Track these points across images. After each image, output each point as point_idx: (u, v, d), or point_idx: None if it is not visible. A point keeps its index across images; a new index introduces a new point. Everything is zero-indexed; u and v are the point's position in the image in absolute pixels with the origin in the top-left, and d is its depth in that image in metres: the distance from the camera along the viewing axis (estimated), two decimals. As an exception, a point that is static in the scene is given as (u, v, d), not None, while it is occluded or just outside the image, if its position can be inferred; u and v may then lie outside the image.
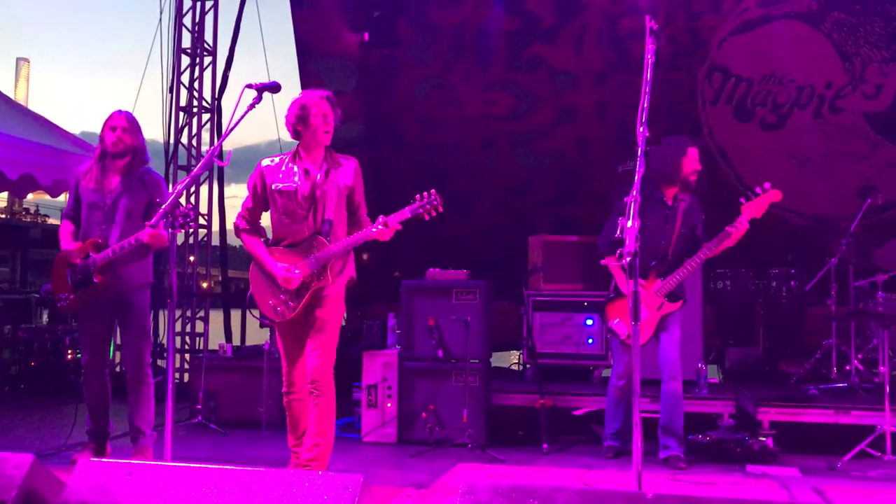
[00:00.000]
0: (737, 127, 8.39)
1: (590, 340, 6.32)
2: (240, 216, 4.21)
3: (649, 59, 3.16)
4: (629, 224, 2.79)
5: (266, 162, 4.15)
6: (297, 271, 3.98)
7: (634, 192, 2.89)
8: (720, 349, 7.19)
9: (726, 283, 7.20)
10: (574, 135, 8.82)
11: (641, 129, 3.00)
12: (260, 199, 4.15)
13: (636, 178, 3.00)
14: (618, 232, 2.86)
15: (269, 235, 4.24)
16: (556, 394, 5.73)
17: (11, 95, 13.38)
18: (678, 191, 5.00)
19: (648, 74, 3.10)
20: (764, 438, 5.11)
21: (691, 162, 4.95)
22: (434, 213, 3.94)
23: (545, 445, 5.29)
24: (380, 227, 3.91)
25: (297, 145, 4.12)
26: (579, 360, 6.30)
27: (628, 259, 2.77)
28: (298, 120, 4.02)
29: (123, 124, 4.68)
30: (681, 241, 4.97)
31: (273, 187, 4.06)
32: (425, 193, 3.95)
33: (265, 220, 4.30)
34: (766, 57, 8.19)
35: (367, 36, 8.98)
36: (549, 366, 6.28)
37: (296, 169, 4.07)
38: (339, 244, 4.00)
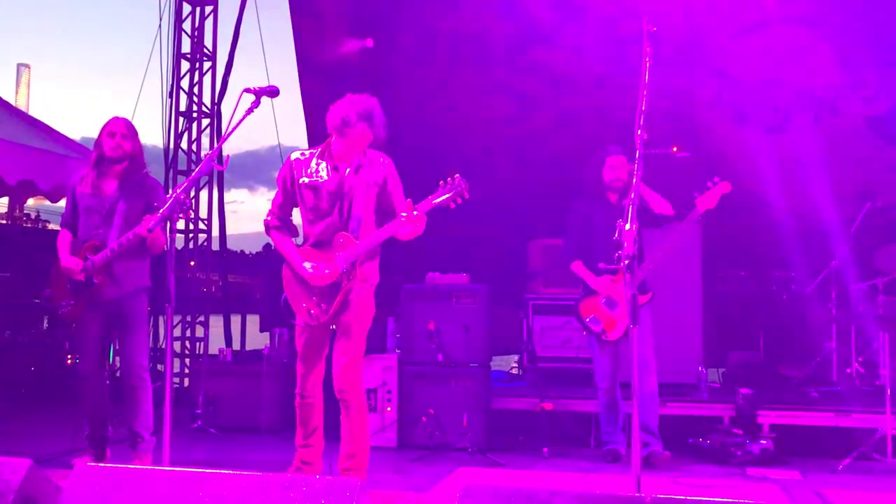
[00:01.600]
0: (737, 130, 8.39)
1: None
2: (270, 212, 4.06)
3: (647, 62, 3.15)
4: (627, 227, 2.78)
5: (296, 155, 4.02)
6: (326, 271, 3.85)
7: (633, 195, 2.89)
8: (720, 352, 7.18)
9: (726, 286, 7.20)
10: (573, 138, 8.82)
11: (640, 133, 3.00)
12: (290, 194, 3.99)
13: (635, 180, 2.99)
14: (616, 234, 2.86)
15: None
16: (556, 398, 5.72)
17: (12, 101, 13.37)
18: (619, 195, 5.11)
19: (647, 78, 3.09)
20: (764, 442, 5.10)
21: (610, 170, 5.15)
22: (460, 200, 3.77)
23: (545, 449, 5.28)
24: (402, 216, 3.73)
25: (330, 140, 3.99)
26: (579, 364, 6.28)
27: (626, 262, 2.76)
28: (342, 123, 3.88)
29: (122, 130, 4.69)
30: (640, 236, 5.04)
31: (301, 181, 3.93)
32: (449, 179, 3.78)
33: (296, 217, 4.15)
34: (766, 60, 8.19)
35: (370, 42, 8.98)
36: (549, 369, 6.28)
37: (324, 164, 3.95)
38: (365, 241, 3.85)
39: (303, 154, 3.99)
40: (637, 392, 2.95)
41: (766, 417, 5.28)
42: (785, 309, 7.15)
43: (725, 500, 3.84)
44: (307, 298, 3.92)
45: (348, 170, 3.91)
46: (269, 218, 4.06)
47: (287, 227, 4.07)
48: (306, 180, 3.92)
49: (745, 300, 7.21)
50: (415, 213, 3.72)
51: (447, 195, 3.75)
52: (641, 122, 3.01)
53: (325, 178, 3.91)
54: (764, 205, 7.99)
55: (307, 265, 3.87)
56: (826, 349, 6.47)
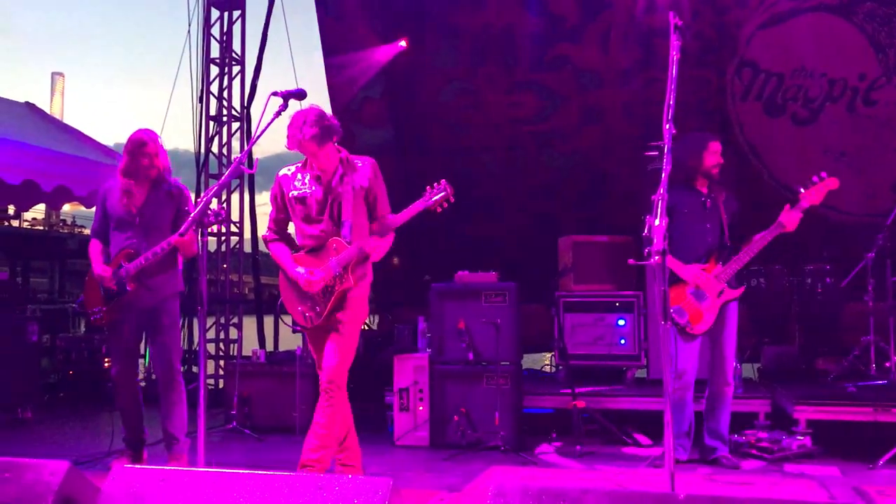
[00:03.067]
0: (768, 123, 8.29)
1: (622, 341, 6.27)
2: (268, 228, 4.27)
3: (675, 56, 3.12)
4: (657, 222, 2.75)
5: (283, 171, 4.18)
6: (317, 275, 3.98)
7: (661, 191, 2.86)
8: (755, 347, 7.10)
9: (761, 280, 7.11)
10: (601, 134, 8.78)
11: (668, 127, 2.97)
12: (282, 209, 4.18)
13: (663, 176, 2.96)
14: (645, 230, 2.84)
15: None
16: (588, 395, 5.70)
17: (47, 109, 13.61)
18: (708, 183, 4.97)
19: (674, 72, 3.07)
20: (802, 437, 5.03)
21: (712, 155, 4.91)
22: (446, 205, 3.91)
23: (578, 447, 5.25)
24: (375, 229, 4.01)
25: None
26: (611, 361, 6.24)
27: (656, 258, 2.74)
28: (297, 144, 4.00)
29: (156, 151, 4.75)
30: (731, 228, 4.93)
31: (290, 195, 4.11)
32: (435, 184, 3.91)
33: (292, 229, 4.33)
34: (797, 50, 8.07)
35: (405, 42, 9.00)
36: (581, 367, 6.24)
37: (308, 176, 4.10)
38: (354, 247, 3.97)
39: (288, 169, 4.15)
40: (668, 391, 2.93)
41: (803, 413, 5.20)
42: (820, 302, 7.04)
43: (762, 497, 3.80)
44: (302, 302, 4.08)
45: (334, 179, 4.05)
46: (267, 233, 4.27)
47: (284, 239, 4.26)
48: (295, 193, 4.09)
49: (780, 294, 7.10)
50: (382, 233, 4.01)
51: (433, 199, 3.88)
52: (669, 117, 2.97)
53: (311, 188, 4.07)
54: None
55: (300, 270, 4.03)
56: (863, 343, 6.36)
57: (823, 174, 4.70)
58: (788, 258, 7.33)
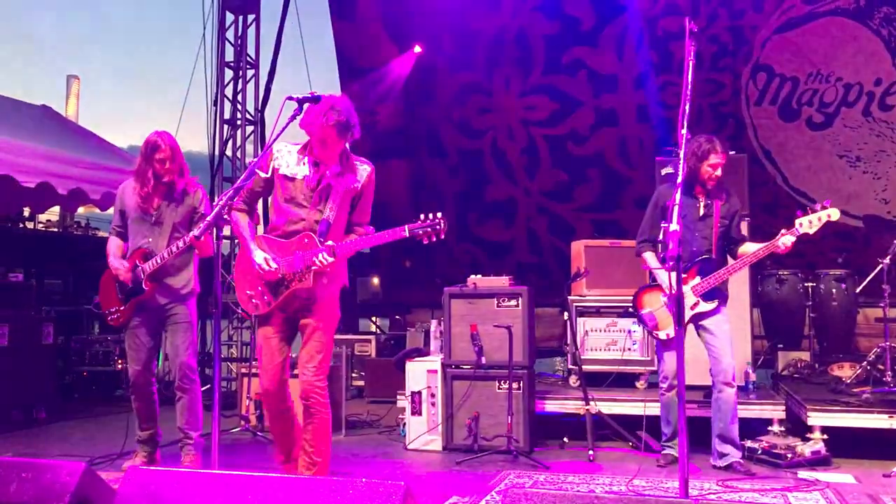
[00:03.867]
0: (782, 127, 8.27)
1: (635, 346, 6.25)
2: (229, 198, 3.76)
3: (690, 61, 3.12)
4: (672, 227, 2.74)
5: (278, 146, 3.91)
6: (276, 265, 3.78)
7: (676, 195, 2.85)
8: (769, 353, 7.06)
9: (775, 285, 7.08)
10: (615, 138, 8.78)
11: (683, 132, 2.96)
12: (262, 181, 3.91)
13: (678, 179, 2.96)
14: (660, 235, 2.83)
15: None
16: (601, 400, 5.68)
17: (62, 112, 13.72)
18: (704, 189, 4.93)
19: (689, 76, 3.06)
20: (816, 444, 5.00)
21: (709, 168, 4.83)
22: (434, 239, 3.63)
23: (591, 452, 5.24)
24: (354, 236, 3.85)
25: (310, 140, 3.92)
26: (624, 367, 6.23)
27: (671, 263, 2.73)
28: (307, 124, 3.79)
29: (170, 155, 4.76)
30: (722, 238, 4.92)
31: (280, 171, 3.87)
32: (431, 215, 3.65)
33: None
34: (812, 55, 8.06)
35: (420, 47, 9.02)
36: (594, 371, 6.23)
37: (306, 160, 3.88)
38: (327, 248, 3.72)
39: (285, 145, 3.90)
40: (682, 394, 2.92)
41: (818, 419, 5.17)
42: (835, 308, 7.00)
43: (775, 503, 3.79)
44: (252, 286, 3.87)
45: (329, 171, 3.86)
46: (235, 201, 3.89)
47: (250, 212, 3.99)
48: (287, 172, 3.87)
49: (795, 300, 7.06)
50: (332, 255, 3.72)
51: (420, 231, 3.64)
52: (685, 121, 2.96)
53: (307, 172, 3.86)
54: (812, 202, 7.83)
55: (260, 255, 3.79)
56: (879, 349, 6.31)
57: (827, 202, 4.62)
58: (803, 263, 7.30)
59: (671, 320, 4.85)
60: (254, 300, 3.87)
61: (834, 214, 4.61)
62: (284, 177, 3.87)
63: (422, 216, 3.67)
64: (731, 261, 4.94)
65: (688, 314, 4.82)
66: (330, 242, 3.77)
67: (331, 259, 3.73)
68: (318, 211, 3.84)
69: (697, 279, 4.82)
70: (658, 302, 4.94)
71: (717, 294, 4.88)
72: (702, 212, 4.91)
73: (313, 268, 3.75)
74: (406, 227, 3.65)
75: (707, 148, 4.81)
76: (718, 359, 4.82)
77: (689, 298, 4.81)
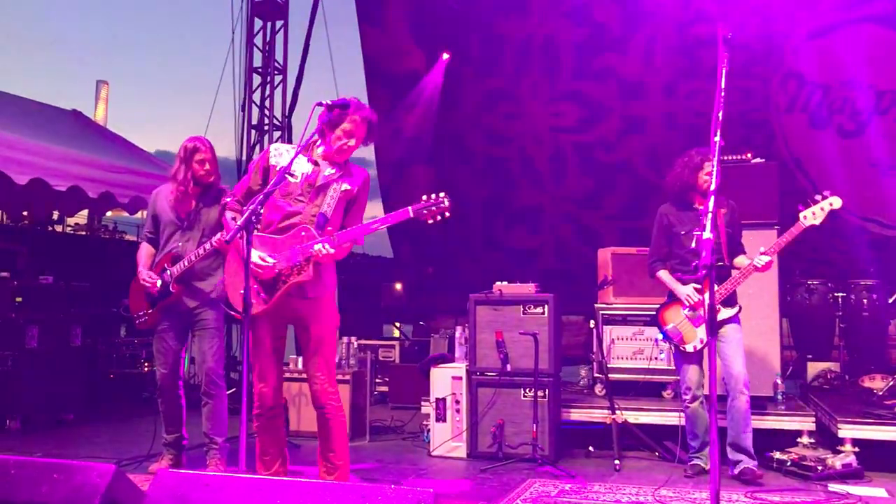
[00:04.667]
0: (813, 135, 8.18)
1: (662, 355, 6.20)
2: (231, 193, 3.96)
3: (723, 68, 3.08)
4: (705, 235, 2.71)
5: (276, 145, 3.94)
6: (272, 261, 3.71)
7: (710, 203, 2.82)
8: (798, 363, 6.97)
9: (804, 295, 6.99)
10: (643, 145, 8.73)
11: (717, 139, 2.92)
12: (258, 181, 3.84)
13: (712, 188, 2.92)
14: (692, 243, 2.80)
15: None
16: (627, 410, 5.64)
17: (92, 117, 13.90)
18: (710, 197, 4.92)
19: (723, 83, 3.02)
20: (847, 457, 4.92)
21: (706, 175, 4.89)
22: (440, 218, 3.60)
23: (617, 462, 5.19)
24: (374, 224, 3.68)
25: (315, 139, 3.88)
26: (651, 376, 6.17)
27: (704, 273, 2.69)
28: (331, 120, 3.75)
29: (210, 157, 4.82)
30: (729, 244, 4.90)
31: (277, 168, 3.80)
32: (434, 195, 3.61)
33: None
34: (843, 62, 7.96)
35: (448, 54, 9.03)
36: (620, 381, 6.18)
37: (305, 158, 3.84)
38: (326, 240, 3.67)
39: (284, 145, 3.91)
40: (714, 404, 2.88)
41: (849, 431, 5.09)
42: (866, 318, 6.90)
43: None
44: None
45: (327, 170, 3.83)
46: (229, 199, 3.96)
47: (242, 208, 3.89)
48: (284, 167, 3.72)
49: (824, 310, 6.97)
50: (327, 246, 3.65)
51: (426, 210, 3.59)
52: (718, 129, 2.93)
53: (306, 169, 3.82)
54: (842, 212, 7.72)
55: (254, 254, 3.65)
56: (911, 361, 6.21)
57: (827, 192, 4.67)
58: (833, 273, 7.20)
59: (695, 332, 4.85)
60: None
61: (836, 202, 4.65)
62: (282, 171, 3.72)
63: (424, 196, 3.62)
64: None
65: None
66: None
67: (331, 250, 3.66)
68: (315, 205, 3.78)
69: (714, 287, 4.78)
70: (679, 316, 4.95)
71: (735, 300, 4.88)
72: (700, 219, 4.89)
73: (312, 259, 3.68)
74: (409, 207, 3.61)
75: (699, 159, 4.92)
76: (730, 366, 4.79)
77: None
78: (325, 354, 3.86)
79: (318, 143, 3.86)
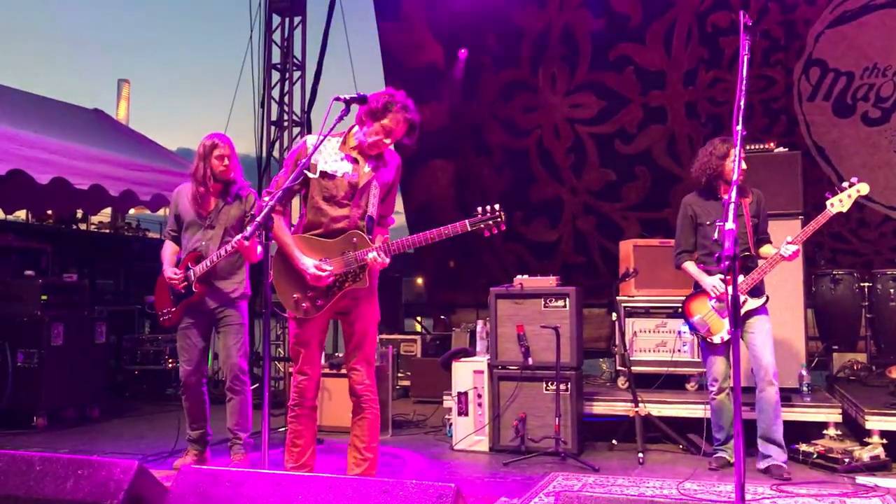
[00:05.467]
0: (837, 123, 8.07)
1: (685, 348, 6.15)
2: (277, 199, 3.53)
3: (745, 56, 3.03)
4: (728, 225, 2.68)
5: (312, 139, 3.71)
6: (329, 268, 3.65)
7: (732, 193, 2.78)
8: (824, 354, 6.89)
9: (829, 285, 6.90)
10: (663, 135, 8.65)
11: (739, 128, 2.88)
12: (298, 179, 3.63)
13: (735, 176, 2.88)
14: (715, 234, 2.76)
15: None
16: (650, 402, 5.60)
17: (113, 115, 14.02)
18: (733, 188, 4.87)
19: (745, 71, 2.98)
20: (874, 449, 4.86)
21: (732, 163, 4.80)
22: (496, 231, 3.56)
23: (640, 455, 5.16)
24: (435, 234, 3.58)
25: (351, 129, 3.79)
26: (674, 368, 6.12)
27: (727, 263, 2.66)
28: (372, 111, 3.67)
29: (229, 153, 4.84)
30: (755, 234, 4.85)
31: (320, 168, 3.71)
32: (488, 207, 3.56)
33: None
34: (868, 48, 7.85)
35: (466, 47, 9.01)
36: (643, 373, 6.14)
37: (343, 154, 3.75)
38: (381, 247, 3.63)
39: (320, 138, 3.59)
40: (738, 397, 2.84)
41: (876, 423, 5.02)
42: (892, 309, 6.80)
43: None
44: (299, 289, 3.72)
45: (367, 166, 3.74)
46: (272, 199, 3.57)
47: (283, 213, 3.79)
48: (326, 168, 3.71)
49: (850, 301, 6.88)
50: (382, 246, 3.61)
51: (483, 224, 3.55)
52: (740, 118, 2.89)
53: (347, 168, 3.72)
54: (868, 200, 7.64)
55: (309, 261, 3.63)
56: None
57: (854, 179, 4.63)
58: (859, 263, 7.11)
59: (722, 323, 4.79)
60: (303, 304, 3.72)
61: (863, 189, 4.61)
62: (324, 173, 3.72)
63: (479, 209, 3.58)
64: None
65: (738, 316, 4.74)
66: (379, 240, 3.71)
67: (387, 259, 3.64)
68: (360, 207, 3.73)
69: (741, 277, 4.73)
70: (706, 307, 4.89)
71: (762, 290, 4.83)
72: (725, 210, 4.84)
73: (369, 268, 3.67)
74: (467, 221, 3.56)
75: (726, 147, 4.85)
76: (759, 357, 4.74)
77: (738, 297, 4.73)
78: (367, 349, 3.88)
79: (353, 135, 3.77)
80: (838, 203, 4.59)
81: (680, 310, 5.11)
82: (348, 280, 3.70)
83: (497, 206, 3.57)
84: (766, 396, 4.73)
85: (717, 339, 4.85)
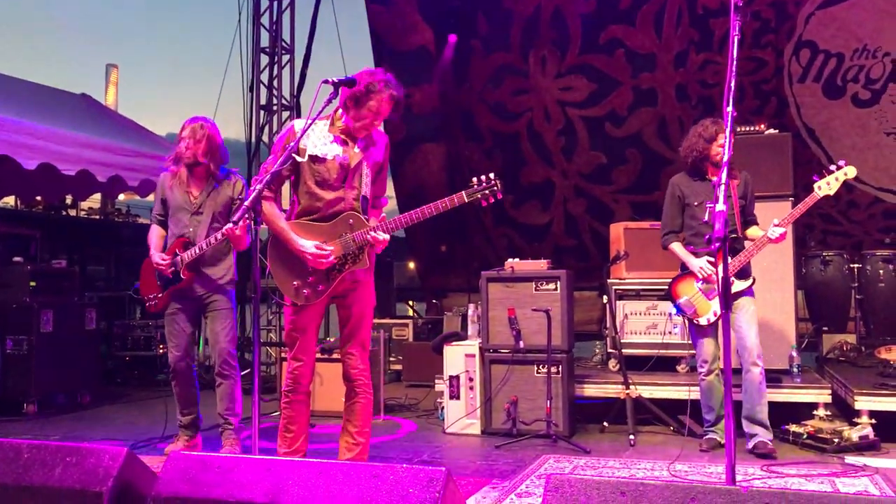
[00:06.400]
0: (827, 105, 8.07)
1: (676, 330, 6.16)
2: (266, 183, 3.43)
3: (736, 36, 3.01)
4: (718, 207, 2.67)
5: (300, 123, 3.63)
6: (330, 248, 3.62)
7: (723, 176, 2.77)
8: (814, 335, 6.93)
9: (820, 267, 6.93)
10: (654, 118, 8.64)
11: (729, 109, 2.87)
12: (286, 163, 3.59)
13: (724, 159, 2.87)
14: (705, 216, 2.76)
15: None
16: (641, 384, 5.62)
17: (102, 100, 13.90)
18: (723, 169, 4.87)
19: (735, 52, 2.96)
20: (864, 429, 4.89)
21: (719, 147, 4.82)
22: (493, 200, 3.55)
23: (632, 437, 5.18)
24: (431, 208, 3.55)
25: (337, 111, 3.74)
26: (665, 350, 6.14)
27: (717, 245, 2.65)
28: (356, 96, 3.60)
29: (188, 134, 4.78)
30: (743, 216, 4.86)
31: (309, 152, 3.66)
32: (483, 177, 3.57)
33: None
34: (858, 30, 7.84)
35: (454, 38, 8.96)
36: (634, 356, 6.16)
37: (332, 136, 3.71)
38: (379, 226, 3.61)
39: (306, 122, 3.52)
40: (729, 378, 2.85)
41: (865, 403, 5.05)
42: (882, 290, 6.84)
43: (826, 492, 3.71)
44: (299, 276, 3.68)
45: (357, 147, 3.71)
46: (262, 186, 3.46)
47: (278, 200, 3.79)
48: (316, 152, 3.67)
49: (840, 282, 6.91)
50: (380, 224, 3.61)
51: (479, 194, 3.55)
52: (730, 98, 2.87)
53: (337, 149, 3.68)
54: (858, 182, 7.65)
55: (309, 243, 3.61)
56: (928, 331, 6.16)
57: (842, 162, 4.64)
58: (849, 244, 7.14)
59: (709, 305, 4.81)
60: (304, 291, 3.67)
61: (850, 172, 4.63)
62: (314, 157, 3.68)
63: (474, 179, 3.57)
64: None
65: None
66: (373, 221, 3.70)
67: (387, 237, 3.63)
68: (354, 189, 3.71)
69: (728, 259, 4.74)
70: (692, 289, 4.91)
71: (749, 272, 4.84)
72: (713, 191, 4.85)
73: (368, 248, 3.66)
74: (463, 192, 3.56)
75: (714, 129, 4.84)
76: (744, 338, 4.77)
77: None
78: (363, 333, 3.87)
79: (340, 117, 3.73)
80: (826, 186, 4.61)
81: (667, 291, 5.12)
82: (348, 262, 3.67)
83: (492, 175, 3.58)
84: (751, 377, 4.75)
85: (703, 321, 4.86)
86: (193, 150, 4.76)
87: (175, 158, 4.82)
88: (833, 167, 4.63)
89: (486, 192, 3.55)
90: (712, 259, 4.80)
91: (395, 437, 5.56)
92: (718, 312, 4.79)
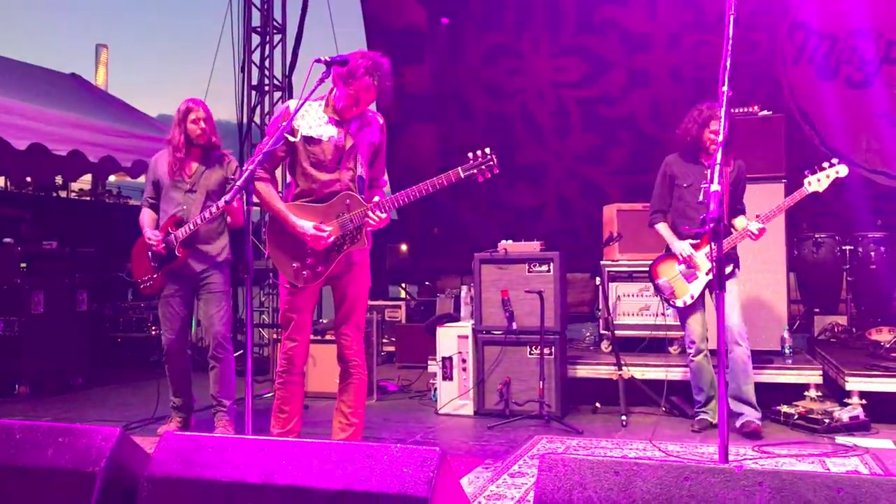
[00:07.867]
0: (820, 87, 8.06)
1: (668, 311, 6.17)
2: (258, 163, 3.40)
3: (732, 15, 3.00)
4: (713, 187, 2.66)
5: (294, 104, 3.59)
6: (329, 228, 3.63)
7: (719, 156, 2.76)
8: (805, 317, 6.96)
9: (811, 248, 6.95)
10: (647, 99, 8.62)
11: (725, 89, 2.85)
12: (282, 145, 3.62)
13: (720, 139, 2.86)
14: (700, 196, 2.75)
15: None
16: (633, 365, 5.64)
17: (92, 81, 13.80)
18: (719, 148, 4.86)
19: (730, 31, 2.94)
20: (854, 409, 4.92)
21: (712, 133, 4.82)
22: (489, 174, 3.54)
23: (624, 418, 5.20)
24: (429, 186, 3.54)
25: (332, 92, 3.71)
26: (657, 332, 6.15)
27: (712, 225, 2.65)
28: (341, 77, 3.58)
29: (204, 116, 4.77)
30: (731, 203, 4.86)
31: (302, 133, 3.67)
32: (479, 152, 3.55)
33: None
34: (852, 11, 7.82)
35: (446, 21, 8.91)
36: (626, 337, 6.17)
37: (327, 117, 3.70)
38: (376, 205, 3.61)
39: (302, 103, 3.52)
40: (722, 360, 2.86)
41: (856, 384, 5.09)
42: (873, 272, 6.86)
43: (818, 471, 3.73)
44: (298, 258, 3.69)
45: (352, 126, 3.71)
46: (256, 168, 3.43)
47: (273, 181, 3.78)
48: (311, 133, 3.67)
49: (832, 264, 6.93)
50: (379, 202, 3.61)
51: (475, 169, 3.53)
52: (726, 78, 2.86)
53: (332, 131, 3.68)
54: (850, 164, 7.63)
55: (308, 224, 3.62)
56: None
57: (835, 160, 4.66)
58: (840, 226, 7.15)
59: (686, 288, 4.85)
60: (304, 273, 3.68)
61: (842, 171, 4.65)
62: (309, 139, 3.67)
63: (470, 155, 3.56)
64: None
65: (703, 281, 4.82)
66: (376, 198, 3.69)
67: (384, 215, 3.63)
68: (350, 169, 3.70)
69: (712, 245, 4.75)
70: (673, 271, 4.95)
71: (732, 258, 4.85)
72: (706, 175, 4.84)
73: (366, 227, 3.65)
74: (460, 168, 3.55)
75: (708, 114, 4.83)
76: (727, 318, 4.77)
77: (705, 265, 4.80)
78: (358, 315, 3.87)
79: (334, 96, 3.70)
80: (816, 182, 4.62)
81: (647, 271, 5.16)
82: (347, 242, 3.67)
83: (488, 150, 3.56)
84: (735, 356, 4.77)
85: (679, 303, 4.92)
86: (209, 134, 4.75)
87: (182, 142, 4.75)
88: (826, 164, 4.63)
89: (483, 166, 3.55)
90: (695, 242, 4.83)
91: (387, 419, 5.57)
92: (695, 296, 4.87)
